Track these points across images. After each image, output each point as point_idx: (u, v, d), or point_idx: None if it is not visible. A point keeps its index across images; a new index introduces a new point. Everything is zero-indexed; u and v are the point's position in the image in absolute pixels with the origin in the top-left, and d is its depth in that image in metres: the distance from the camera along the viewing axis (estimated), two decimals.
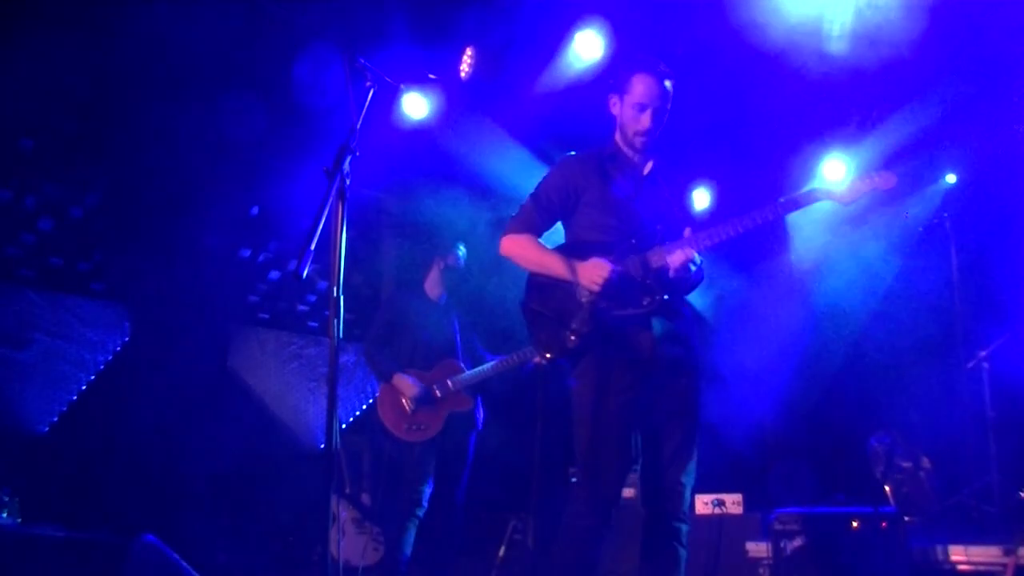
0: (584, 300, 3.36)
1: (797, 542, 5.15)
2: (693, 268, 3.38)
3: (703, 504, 5.60)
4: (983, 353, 5.89)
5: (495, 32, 5.85)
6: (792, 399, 7.25)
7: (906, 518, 5.27)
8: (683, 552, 3.34)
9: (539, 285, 3.50)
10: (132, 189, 6.13)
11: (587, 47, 5.99)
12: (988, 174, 6.47)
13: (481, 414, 5.27)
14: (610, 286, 3.31)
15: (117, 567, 3.62)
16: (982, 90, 6.03)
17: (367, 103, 3.11)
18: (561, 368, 3.58)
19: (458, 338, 5.34)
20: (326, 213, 2.88)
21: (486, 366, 5.17)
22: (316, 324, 7.53)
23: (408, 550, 5.01)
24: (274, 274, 7.18)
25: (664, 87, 3.45)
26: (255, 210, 6.92)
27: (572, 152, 3.64)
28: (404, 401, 5.05)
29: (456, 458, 5.13)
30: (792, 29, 5.57)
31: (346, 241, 2.93)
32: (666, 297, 3.37)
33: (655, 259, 3.36)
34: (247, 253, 7.00)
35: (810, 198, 3.41)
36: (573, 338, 3.33)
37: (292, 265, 7.12)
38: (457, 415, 5.10)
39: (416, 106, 6.21)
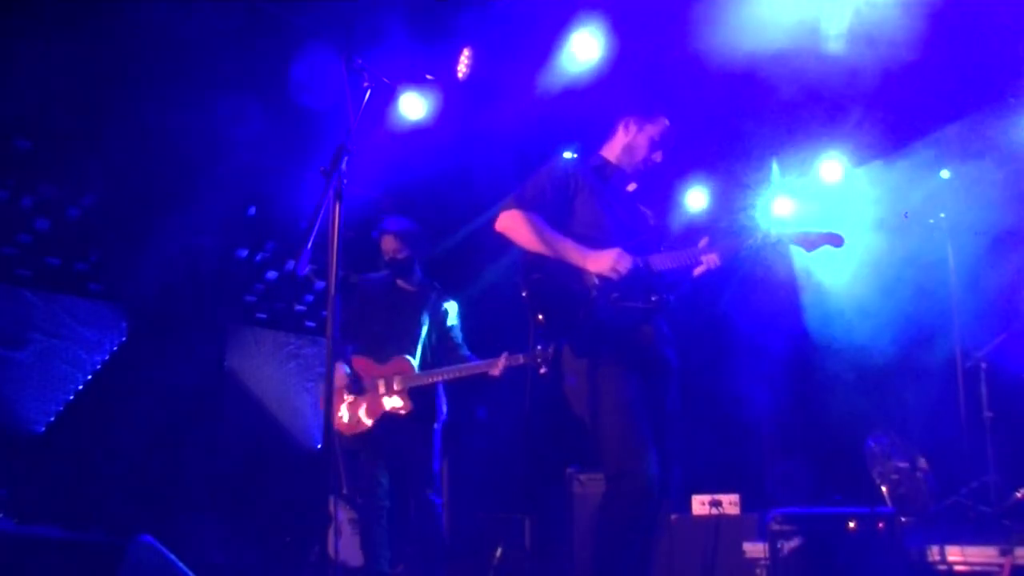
0: (592, 288, 3.45)
1: (794, 543, 5.15)
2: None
3: (700, 504, 5.60)
4: (980, 353, 5.89)
5: (492, 33, 5.84)
6: (789, 399, 7.26)
7: (903, 518, 5.28)
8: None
9: (540, 264, 3.53)
10: (129, 189, 6.12)
11: (584, 48, 5.99)
12: (984, 172, 6.48)
13: (444, 406, 5.02)
14: (627, 277, 3.44)
15: (114, 568, 3.61)
16: (978, 87, 6.04)
17: (364, 103, 3.12)
18: (553, 366, 3.62)
19: (421, 333, 5.01)
20: (323, 213, 2.89)
21: (440, 370, 4.88)
22: (313, 324, 7.53)
23: (383, 549, 4.85)
24: (271, 274, 7.18)
25: (673, 136, 3.79)
26: (252, 210, 6.92)
27: (560, 160, 3.76)
28: (344, 391, 4.91)
29: (417, 457, 4.85)
30: (790, 29, 5.57)
31: (343, 241, 2.93)
32: (668, 298, 3.52)
33: (657, 263, 3.52)
34: (244, 253, 6.99)
35: (791, 242, 3.60)
36: (584, 317, 3.41)
37: (290, 265, 7.18)
38: (401, 416, 4.83)
39: (413, 106, 6.21)
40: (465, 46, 6.08)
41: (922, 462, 5.90)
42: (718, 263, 3.50)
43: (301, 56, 5.56)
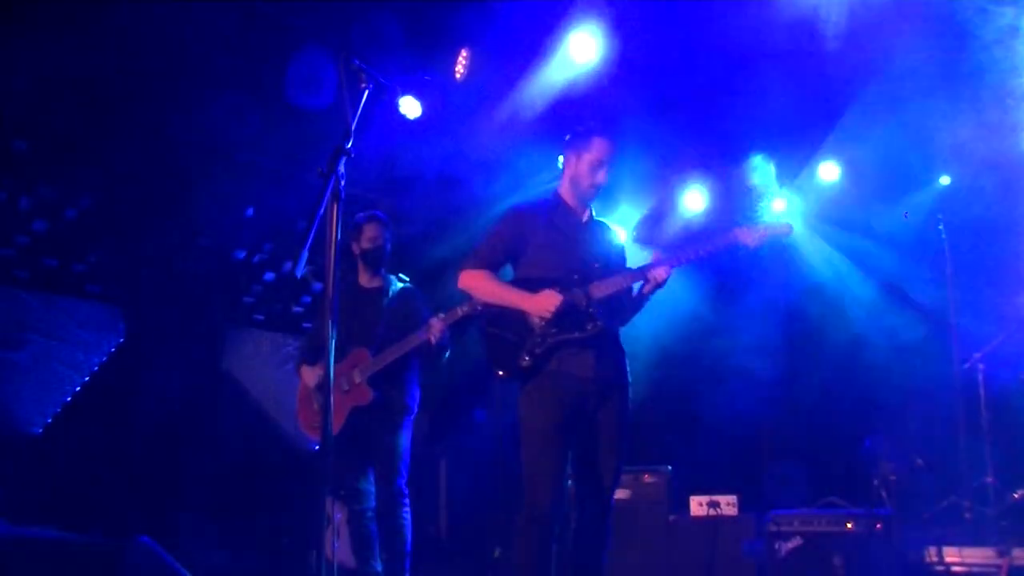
0: (536, 327, 3.80)
1: (792, 543, 5.16)
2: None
3: (698, 505, 5.61)
4: (978, 354, 5.90)
5: (490, 34, 5.85)
6: (787, 400, 7.27)
7: (900, 519, 5.29)
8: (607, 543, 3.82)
9: (494, 314, 3.94)
10: (127, 190, 6.11)
11: (582, 49, 5.99)
12: (982, 175, 6.49)
13: (414, 400, 4.97)
14: (559, 314, 3.75)
15: (112, 569, 3.61)
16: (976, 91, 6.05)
17: (362, 104, 3.12)
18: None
19: (380, 324, 4.92)
20: (320, 214, 2.89)
21: (388, 350, 4.78)
22: (311, 325, 7.51)
23: (373, 549, 4.81)
24: (269, 275, 7.17)
25: (616, 149, 3.95)
26: (250, 211, 6.91)
27: (518, 204, 4.09)
28: (312, 395, 4.87)
29: (384, 446, 4.80)
30: (787, 28, 5.58)
31: (340, 242, 2.93)
32: (607, 324, 3.81)
33: (597, 291, 3.81)
34: (242, 254, 6.99)
35: (721, 243, 3.85)
36: (527, 359, 3.79)
37: (287, 266, 7.17)
38: (365, 408, 4.76)
39: (411, 108, 6.20)
40: (463, 47, 6.08)
41: (920, 463, 5.91)
42: (665, 276, 3.79)
43: (299, 57, 5.56)
